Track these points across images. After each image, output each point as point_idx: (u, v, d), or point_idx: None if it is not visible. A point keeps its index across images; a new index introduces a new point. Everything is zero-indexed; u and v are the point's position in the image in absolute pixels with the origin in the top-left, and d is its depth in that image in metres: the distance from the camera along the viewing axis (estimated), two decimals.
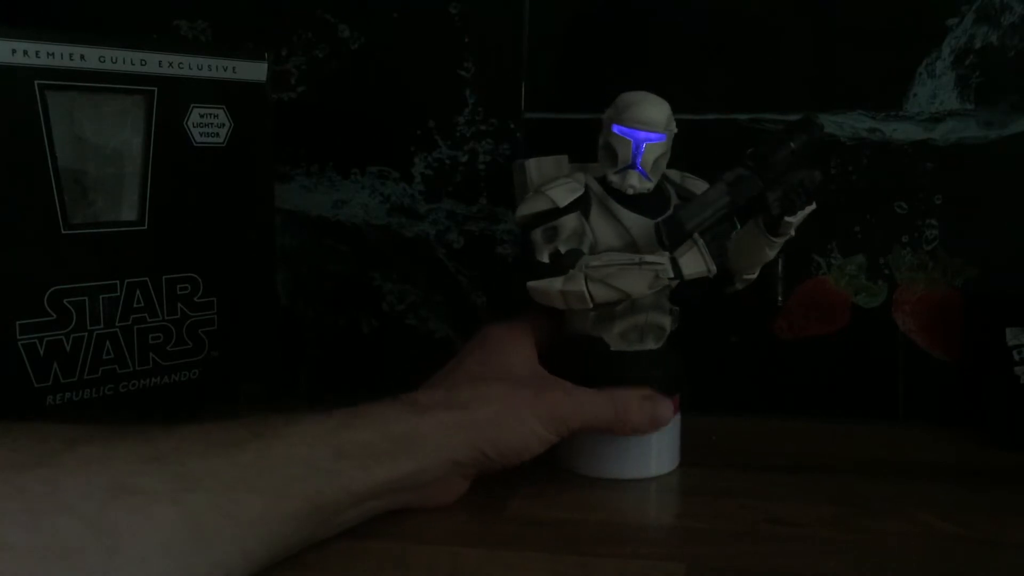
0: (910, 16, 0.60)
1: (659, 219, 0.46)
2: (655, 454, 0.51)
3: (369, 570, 0.40)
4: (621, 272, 0.45)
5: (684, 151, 0.50)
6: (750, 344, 0.63)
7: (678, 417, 0.52)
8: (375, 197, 0.67)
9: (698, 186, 0.51)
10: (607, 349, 0.49)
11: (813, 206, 0.45)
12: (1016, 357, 0.56)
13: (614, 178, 0.47)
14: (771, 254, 0.47)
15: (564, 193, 0.47)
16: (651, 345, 0.50)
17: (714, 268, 0.47)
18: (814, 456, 0.54)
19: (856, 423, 0.60)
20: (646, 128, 0.47)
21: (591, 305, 0.46)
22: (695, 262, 0.46)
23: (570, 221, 0.47)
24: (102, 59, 0.50)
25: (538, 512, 0.46)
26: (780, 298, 0.62)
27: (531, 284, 0.47)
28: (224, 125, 0.56)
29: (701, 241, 0.46)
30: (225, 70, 0.56)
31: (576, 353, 0.49)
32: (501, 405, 0.45)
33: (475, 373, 0.47)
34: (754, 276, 0.49)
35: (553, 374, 0.48)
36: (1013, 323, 0.56)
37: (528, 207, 0.47)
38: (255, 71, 0.57)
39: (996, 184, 0.60)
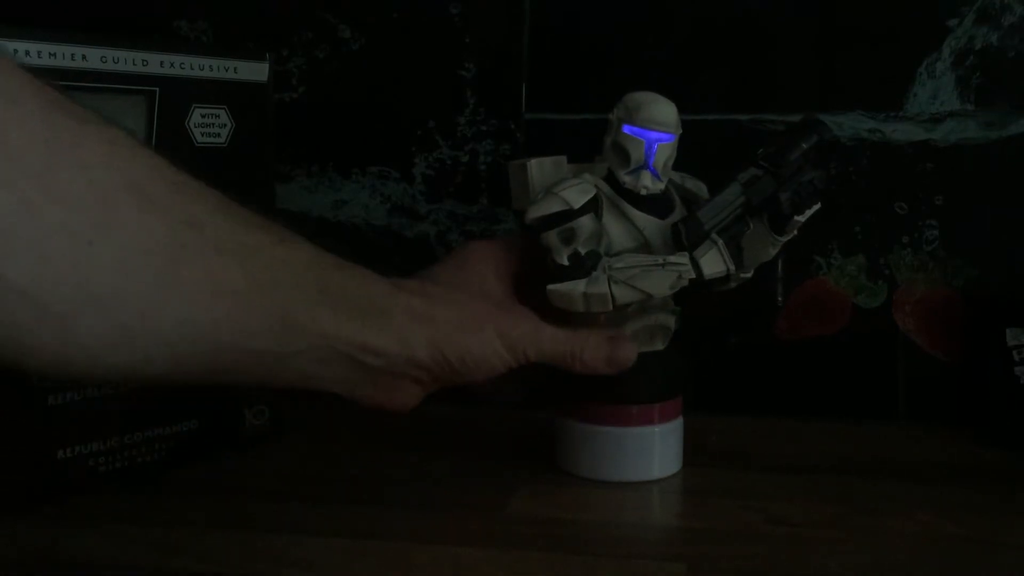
0: (910, 16, 0.60)
1: (677, 220, 0.47)
2: (658, 456, 0.51)
3: (369, 570, 0.40)
4: (644, 273, 0.45)
5: (684, 151, 0.50)
6: (750, 344, 0.63)
7: (681, 420, 0.52)
8: (376, 197, 0.67)
9: (698, 186, 0.51)
10: None
11: (819, 205, 0.46)
12: (1016, 357, 0.56)
13: (627, 179, 0.47)
14: (772, 253, 0.48)
15: (578, 194, 0.46)
16: (659, 346, 0.50)
17: (733, 267, 0.47)
18: (814, 456, 0.54)
19: (856, 423, 0.60)
20: (659, 129, 0.46)
21: (611, 307, 0.46)
22: (715, 262, 0.46)
23: (587, 222, 0.46)
24: (103, 59, 0.50)
25: (538, 512, 0.46)
26: (780, 298, 0.62)
27: (551, 287, 0.46)
28: (225, 125, 0.56)
29: (720, 241, 0.46)
30: (226, 70, 0.56)
31: None
32: (465, 311, 0.44)
33: (448, 279, 0.47)
34: (750, 275, 0.49)
35: (560, 379, 0.48)
36: (1013, 323, 0.56)
37: (541, 208, 0.46)
38: (256, 71, 0.57)
39: (996, 185, 0.60)
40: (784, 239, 0.47)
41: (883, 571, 0.40)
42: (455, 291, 0.46)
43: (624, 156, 0.47)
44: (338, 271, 0.42)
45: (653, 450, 0.50)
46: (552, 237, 0.46)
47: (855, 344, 0.62)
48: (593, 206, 0.46)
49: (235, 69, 0.56)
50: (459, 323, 0.44)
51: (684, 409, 0.52)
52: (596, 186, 0.47)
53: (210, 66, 0.55)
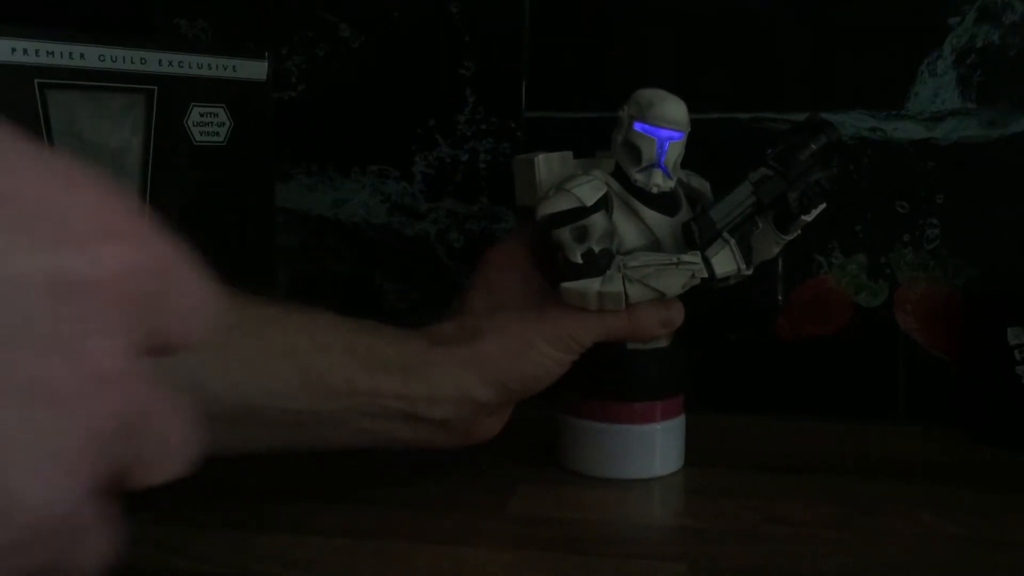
0: (911, 15, 0.60)
1: (688, 218, 0.47)
2: (659, 454, 0.50)
3: (369, 570, 0.40)
4: (658, 272, 0.45)
5: (684, 150, 0.50)
6: (750, 344, 0.63)
7: (683, 418, 0.52)
8: (375, 196, 0.67)
9: (702, 184, 0.51)
10: (623, 347, 0.49)
11: (825, 205, 0.47)
12: (1017, 357, 0.55)
13: (639, 176, 0.47)
14: (775, 251, 0.48)
15: (590, 192, 0.45)
16: (663, 343, 0.49)
17: (744, 266, 0.47)
18: (814, 456, 0.54)
19: (856, 423, 0.60)
20: (671, 127, 0.46)
21: (624, 306, 0.46)
22: (727, 261, 0.46)
23: (600, 220, 0.45)
24: (102, 58, 0.50)
25: (538, 512, 0.46)
26: (780, 297, 0.62)
27: (566, 285, 0.46)
28: (224, 124, 0.56)
29: (732, 240, 0.46)
30: (225, 69, 0.56)
31: (590, 352, 0.49)
32: (508, 336, 0.44)
33: (480, 306, 0.47)
34: (751, 272, 0.48)
35: (563, 377, 0.48)
36: (1014, 323, 0.56)
37: (553, 205, 0.46)
38: (255, 70, 0.57)
39: (997, 183, 0.59)
40: (789, 238, 0.48)
41: (883, 571, 0.40)
42: (494, 315, 0.46)
43: (635, 154, 0.47)
44: (368, 334, 0.43)
45: (655, 448, 0.50)
46: (565, 234, 0.46)
47: (855, 343, 0.62)
48: (604, 203, 0.46)
49: (234, 68, 0.56)
50: (506, 351, 0.44)
51: (685, 408, 0.52)
52: (607, 183, 0.47)
53: (209, 65, 0.54)
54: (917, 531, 0.44)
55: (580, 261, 0.45)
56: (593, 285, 0.45)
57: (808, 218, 0.47)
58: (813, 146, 0.47)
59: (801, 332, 0.62)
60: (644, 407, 0.50)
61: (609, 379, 0.49)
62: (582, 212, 0.45)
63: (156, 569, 0.40)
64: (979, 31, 0.59)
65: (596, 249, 0.45)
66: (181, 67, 0.53)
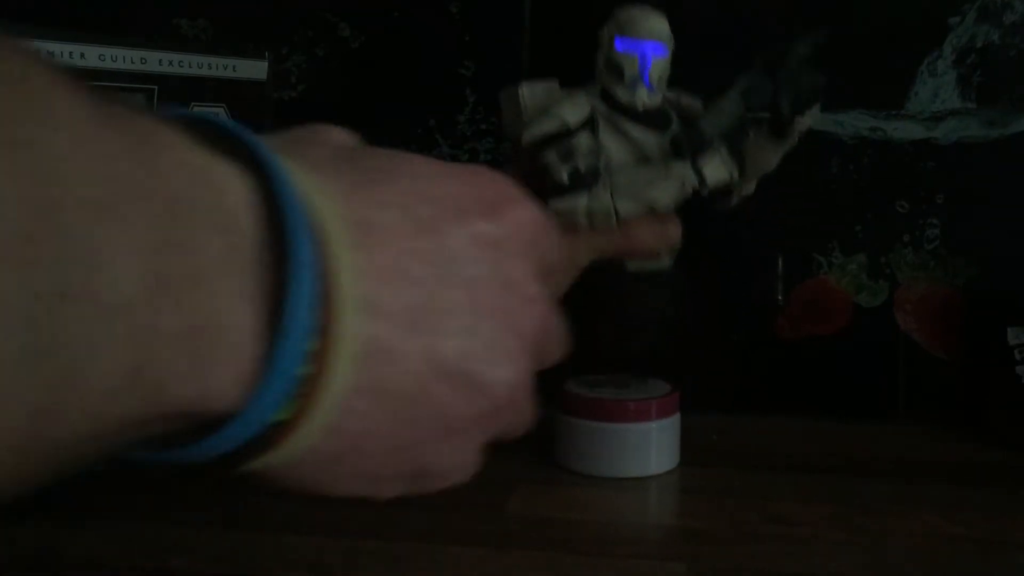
0: (911, 15, 0.60)
1: (678, 130, 0.46)
2: (655, 452, 0.51)
3: (369, 570, 0.40)
4: (647, 184, 0.45)
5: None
6: (750, 344, 0.63)
7: (677, 416, 0.52)
8: None
9: (694, 104, 0.50)
10: (622, 267, 0.48)
11: (819, 105, 0.45)
12: (1017, 356, 0.55)
13: (623, 93, 0.46)
14: (774, 161, 0.46)
15: (573, 111, 0.45)
16: (665, 263, 0.49)
17: (736, 174, 0.46)
18: (814, 456, 0.54)
19: (856, 423, 0.60)
20: (652, 38, 0.46)
21: (615, 223, 0.45)
22: (718, 170, 0.46)
23: (585, 139, 0.45)
24: (102, 57, 0.50)
25: (538, 511, 0.46)
26: (780, 297, 0.62)
27: (553, 203, 0.44)
28: None
29: (723, 148, 0.46)
30: (225, 68, 0.56)
31: (588, 274, 0.47)
32: None
33: None
34: (752, 189, 0.48)
35: (562, 298, 0.47)
36: (1014, 323, 0.56)
37: (537, 129, 0.45)
38: (255, 70, 0.57)
39: (997, 183, 0.59)
40: (786, 144, 0.46)
41: (883, 571, 0.40)
42: None
43: (618, 72, 0.46)
44: None
45: (650, 446, 0.51)
46: (550, 156, 0.45)
47: (855, 343, 0.62)
48: (590, 123, 0.45)
49: (234, 67, 0.56)
50: None
51: (683, 408, 0.52)
52: (591, 104, 0.46)
53: (209, 64, 0.54)
54: (917, 531, 0.44)
55: (566, 181, 0.45)
56: (581, 200, 0.45)
57: (804, 120, 0.45)
58: (800, 50, 0.46)
59: (801, 332, 0.62)
60: (639, 406, 0.50)
61: (618, 302, 0.48)
62: (566, 132, 0.45)
63: (156, 569, 0.40)
64: (979, 31, 0.59)
65: (582, 167, 0.45)
66: (181, 67, 0.53)
